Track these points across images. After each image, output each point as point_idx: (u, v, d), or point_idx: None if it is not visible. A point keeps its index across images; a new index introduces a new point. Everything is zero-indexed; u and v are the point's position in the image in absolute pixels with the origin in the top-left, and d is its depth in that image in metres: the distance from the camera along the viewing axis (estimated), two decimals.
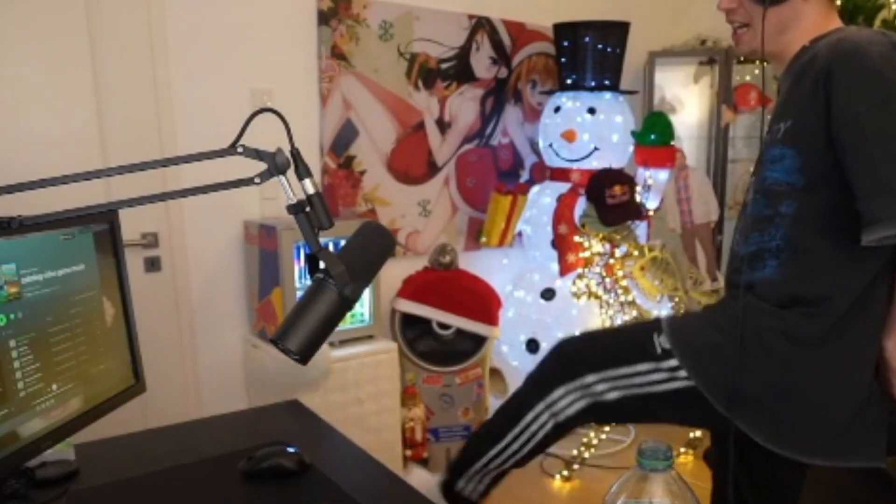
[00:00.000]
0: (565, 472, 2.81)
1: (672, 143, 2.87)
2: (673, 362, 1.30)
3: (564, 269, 2.82)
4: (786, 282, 1.22)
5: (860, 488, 1.70)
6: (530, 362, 2.91)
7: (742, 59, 3.18)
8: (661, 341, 1.32)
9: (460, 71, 2.94)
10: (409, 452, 2.50)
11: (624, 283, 2.69)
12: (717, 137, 3.39)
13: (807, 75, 1.16)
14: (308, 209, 0.86)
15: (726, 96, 3.26)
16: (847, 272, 1.18)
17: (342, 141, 2.68)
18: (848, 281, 1.18)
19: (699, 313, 1.39)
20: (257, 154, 0.85)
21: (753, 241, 1.27)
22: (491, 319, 2.63)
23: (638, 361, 1.34)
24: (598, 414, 1.41)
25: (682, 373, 1.30)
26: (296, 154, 0.86)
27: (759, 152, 1.32)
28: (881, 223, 1.07)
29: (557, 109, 2.91)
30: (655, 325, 1.36)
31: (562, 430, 1.42)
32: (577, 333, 1.55)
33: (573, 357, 1.42)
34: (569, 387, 1.38)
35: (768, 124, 1.30)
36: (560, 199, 2.85)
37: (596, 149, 2.85)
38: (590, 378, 1.36)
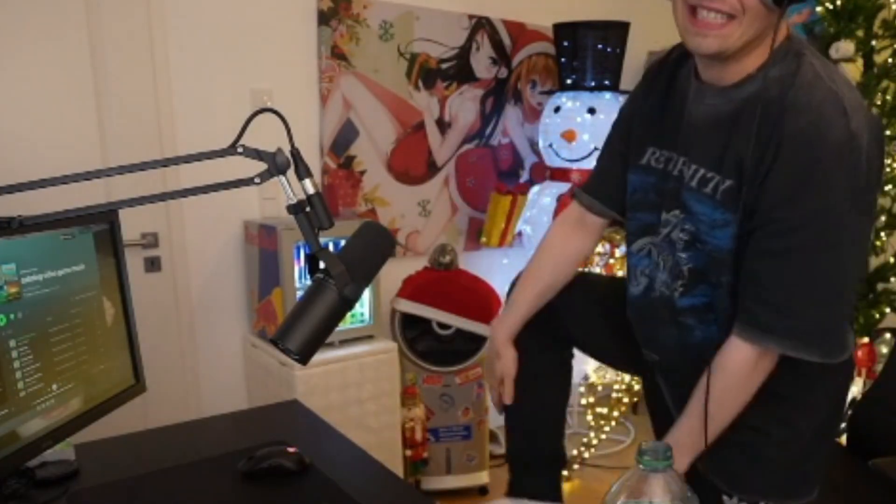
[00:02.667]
0: (565, 472, 2.81)
1: None
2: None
3: None
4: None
5: (858, 488, 1.70)
6: None
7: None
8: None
9: (460, 71, 2.94)
10: (409, 452, 2.50)
11: None
12: None
13: (750, 122, 1.00)
14: (308, 209, 0.86)
15: None
16: None
17: (342, 141, 2.68)
18: None
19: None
20: (257, 154, 0.85)
21: (701, 293, 1.12)
22: (491, 319, 2.63)
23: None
24: None
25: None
26: (296, 154, 0.86)
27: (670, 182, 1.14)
28: (771, 335, 1.02)
29: (557, 109, 2.91)
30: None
31: None
32: None
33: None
34: None
35: (678, 156, 1.12)
36: (560, 199, 2.84)
37: (596, 149, 2.84)
38: None
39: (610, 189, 1.32)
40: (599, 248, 2.70)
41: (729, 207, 1.04)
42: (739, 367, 1.05)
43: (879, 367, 2.44)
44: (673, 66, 1.20)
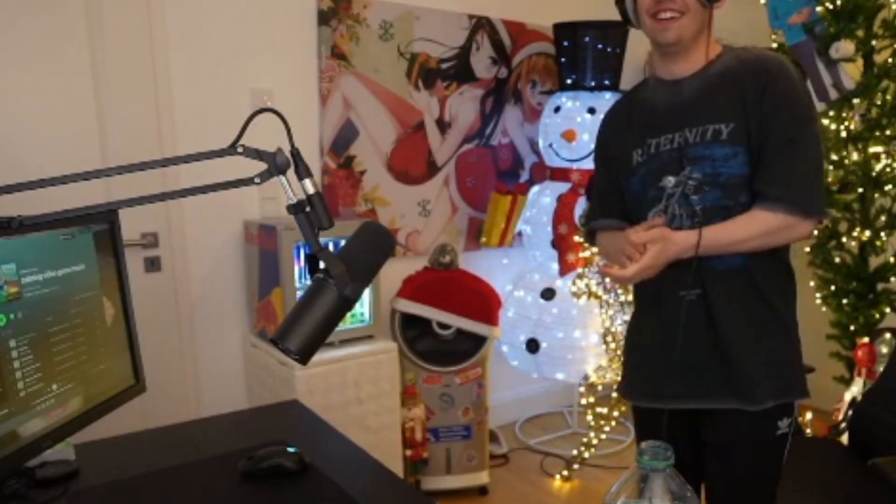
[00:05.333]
0: (565, 472, 2.81)
1: None
2: None
3: (564, 269, 2.81)
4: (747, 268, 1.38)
5: (858, 488, 1.70)
6: (530, 362, 2.92)
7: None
8: None
9: (460, 71, 2.94)
10: (409, 452, 2.50)
11: None
12: None
13: (734, 83, 1.36)
14: (308, 209, 0.86)
15: None
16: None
17: (342, 141, 2.68)
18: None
19: None
20: (257, 154, 0.85)
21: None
22: (491, 319, 2.63)
23: None
24: None
25: None
26: (296, 154, 0.86)
27: (671, 147, 1.40)
28: (779, 202, 1.31)
29: (557, 109, 2.91)
30: None
31: None
32: None
33: None
34: None
35: (672, 133, 1.39)
36: (560, 198, 2.84)
37: None
38: None
39: (613, 207, 1.55)
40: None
41: (737, 142, 1.34)
42: (762, 221, 1.33)
43: (880, 368, 2.44)
44: (628, 98, 1.58)
